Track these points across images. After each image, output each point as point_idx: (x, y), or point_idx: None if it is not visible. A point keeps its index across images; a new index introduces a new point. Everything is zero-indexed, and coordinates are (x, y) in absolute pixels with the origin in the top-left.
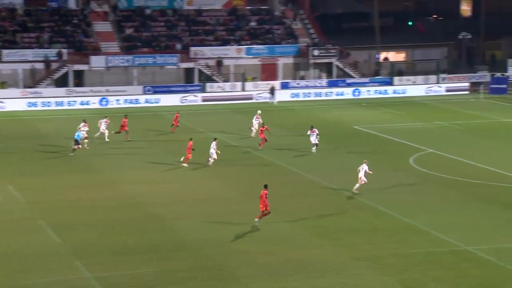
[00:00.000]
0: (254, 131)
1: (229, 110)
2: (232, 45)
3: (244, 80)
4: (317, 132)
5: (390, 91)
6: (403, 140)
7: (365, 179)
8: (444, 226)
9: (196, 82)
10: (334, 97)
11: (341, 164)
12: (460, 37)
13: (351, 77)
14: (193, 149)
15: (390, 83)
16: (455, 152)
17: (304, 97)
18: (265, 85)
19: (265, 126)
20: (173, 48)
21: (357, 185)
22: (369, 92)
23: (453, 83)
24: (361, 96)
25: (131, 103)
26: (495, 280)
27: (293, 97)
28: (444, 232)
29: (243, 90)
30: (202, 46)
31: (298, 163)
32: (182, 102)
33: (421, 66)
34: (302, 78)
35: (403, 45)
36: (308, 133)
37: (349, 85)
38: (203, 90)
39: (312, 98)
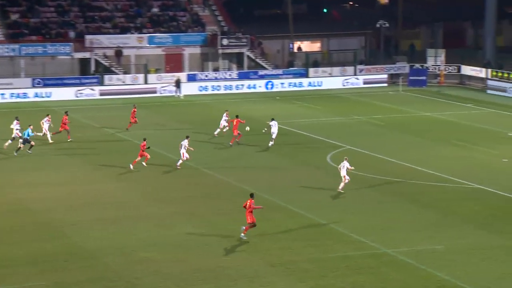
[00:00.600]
0: (218, 130)
1: (131, 104)
2: (132, 34)
3: (146, 72)
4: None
5: (305, 84)
6: (319, 136)
7: (348, 177)
8: (362, 228)
9: (93, 74)
10: (245, 90)
11: (254, 163)
12: (377, 25)
13: (264, 68)
14: (148, 147)
15: (305, 75)
16: (373, 148)
17: (213, 90)
18: (170, 77)
19: (238, 119)
20: (66, 36)
21: (342, 184)
22: (283, 84)
23: (371, 74)
24: (274, 89)
25: (18, 97)
26: (416, 284)
27: (201, 90)
28: (362, 234)
29: (146, 83)
30: (99, 34)
31: (207, 162)
32: (77, 96)
33: (337, 56)
34: (217, 69)
35: (318, 34)
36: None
37: (261, 77)
38: (100, 82)
39: (221, 91)
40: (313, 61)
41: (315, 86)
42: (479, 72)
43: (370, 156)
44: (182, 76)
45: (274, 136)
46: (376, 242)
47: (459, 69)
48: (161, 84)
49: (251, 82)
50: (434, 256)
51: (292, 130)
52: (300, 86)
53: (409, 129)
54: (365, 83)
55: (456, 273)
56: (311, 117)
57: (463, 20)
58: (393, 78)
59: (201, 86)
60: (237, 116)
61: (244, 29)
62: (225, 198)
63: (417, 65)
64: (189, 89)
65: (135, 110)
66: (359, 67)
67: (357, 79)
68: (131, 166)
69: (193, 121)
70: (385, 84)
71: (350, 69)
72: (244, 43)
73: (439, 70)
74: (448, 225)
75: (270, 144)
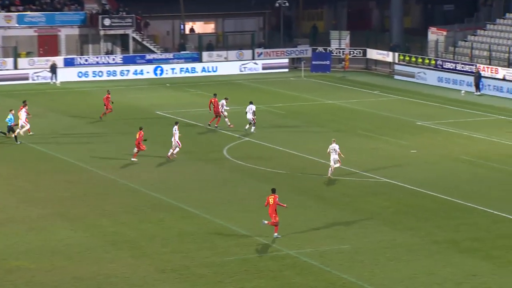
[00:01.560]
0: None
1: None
2: None
3: (16, 55)
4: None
5: (198, 69)
6: (216, 127)
7: (339, 162)
8: (262, 228)
9: None
10: (131, 76)
11: (142, 158)
12: (276, 5)
13: (152, 52)
14: (145, 139)
15: (198, 59)
16: (274, 140)
17: (94, 76)
18: (44, 62)
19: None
20: None
21: (335, 166)
22: (173, 70)
23: (271, 59)
24: (164, 75)
25: None
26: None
27: (80, 76)
28: (262, 234)
29: (16, 68)
30: None
31: (88, 157)
32: None
33: (233, 39)
34: (109, 53)
35: (211, 14)
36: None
37: (149, 61)
38: None
39: (104, 77)
40: (206, 44)
41: (209, 71)
42: (386, 56)
43: (270, 148)
44: (58, 60)
45: (252, 121)
46: (277, 242)
47: (364, 53)
48: (34, 69)
49: (138, 68)
50: (339, 256)
51: (185, 121)
52: (192, 72)
53: (312, 118)
54: (264, 68)
55: (363, 274)
56: (206, 106)
57: (368, 0)
58: (294, 63)
59: (80, 72)
60: (215, 95)
61: (128, 7)
62: (110, 197)
63: (320, 49)
64: (67, 75)
65: (109, 96)
66: (258, 50)
67: (256, 64)
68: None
69: (71, 111)
70: (286, 70)
71: (247, 53)
72: (129, 24)
73: (343, 54)
74: (354, 223)
75: (252, 130)
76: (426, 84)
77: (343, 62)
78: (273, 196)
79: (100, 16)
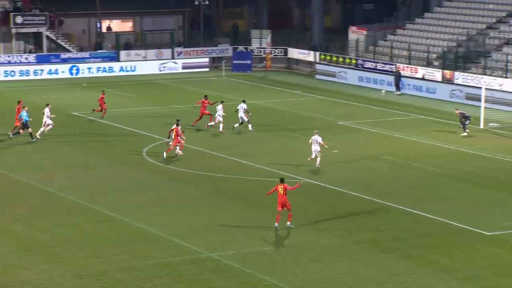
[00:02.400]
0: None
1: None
2: None
3: None
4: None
5: (116, 68)
6: (134, 128)
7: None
8: (183, 230)
9: None
10: (45, 76)
11: (58, 161)
12: (196, 3)
13: (67, 51)
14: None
15: (115, 58)
16: (195, 141)
17: (5, 76)
18: None
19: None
20: None
21: (318, 159)
22: (90, 69)
23: (191, 58)
24: (80, 75)
25: None
26: None
27: None
28: (183, 237)
29: None
30: None
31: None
32: None
33: (152, 37)
34: (32, 51)
35: (129, 12)
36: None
37: (64, 61)
38: None
39: (16, 77)
40: (124, 43)
41: (127, 71)
42: (307, 55)
43: (190, 149)
44: None
45: (246, 119)
46: (199, 245)
47: (286, 52)
48: None
49: (52, 67)
50: (262, 258)
51: (103, 122)
52: (110, 71)
53: (233, 118)
54: (184, 67)
55: (285, 276)
56: (124, 106)
57: None
58: (215, 62)
59: None
60: (205, 96)
61: (42, 5)
62: (23, 201)
63: (241, 48)
64: None
65: (103, 96)
66: (177, 49)
67: (175, 63)
68: (164, 155)
69: None
70: (207, 69)
71: (167, 52)
72: (43, 22)
73: (264, 53)
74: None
75: (250, 128)
76: (347, 84)
77: (264, 62)
78: (282, 186)
79: (11, 14)
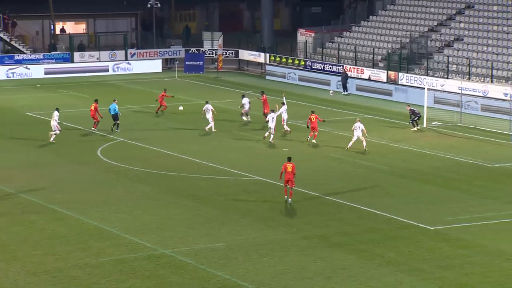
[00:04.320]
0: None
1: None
2: None
3: None
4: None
5: (70, 70)
6: (88, 128)
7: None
8: (137, 228)
9: None
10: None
11: (11, 160)
12: (148, 5)
13: (21, 52)
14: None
15: (69, 60)
16: (148, 140)
17: None
18: None
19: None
20: None
21: (364, 142)
22: (44, 71)
23: (144, 59)
24: (34, 76)
25: None
26: (195, 286)
27: None
28: (137, 234)
29: None
30: None
31: None
32: None
33: (105, 39)
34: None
35: (83, 14)
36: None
37: (18, 62)
38: None
39: None
40: (78, 45)
41: (81, 72)
42: (258, 57)
43: (144, 148)
44: None
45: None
46: (153, 242)
47: (237, 54)
48: None
49: (6, 68)
50: (214, 254)
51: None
52: (64, 73)
53: (186, 118)
54: (138, 68)
55: (237, 271)
56: (78, 107)
57: (239, 2)
58: (168, 64)
59: None
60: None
61: None
62: None
63: (193, 50)
64: None
65: (165, 94)
66: (130, 51)
67: (129, 64)
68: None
69: None
70: (160, 70)
71: (120, 53)
72: None
73: (216, 54)
74: (229, 221)
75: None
76: (296, 84)
77: (216, 63)
78: (291, 164)
79: None
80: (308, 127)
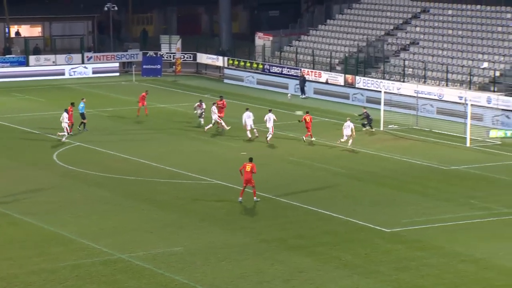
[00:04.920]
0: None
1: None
2: None
3: None
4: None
5: (25, 73)
6: (44, 132)
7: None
8: (94, 232)
9: None
10: None
11: None
12: (105, 9)
13: None
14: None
15: (25, 63)
16: (105, 144)
17: None
18: None
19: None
20: None
21: (351, 140)
22: None
23: (101, 63)
24: None
25: None
26: None
27: None
28: (94, 239)
29: None
30: None
31: None
32: None
33: (62, 42)
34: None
35: (38, 17)
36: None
37: None
38: None
39: None
40: (34, 48)
41: (37, 76)
42: (216, 60)
43: (101, 152)
44: None
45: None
46: (110, 247)
47: (195, 57)
48: None
49: None
50: (172, 259)
51: (12, 126)
52: (19, 76)
53: (144, 122)
54: (94, 72)
55: (195, 275)
56: (34, 110)
57: (197, 5)
58: (125, 67)
59: None
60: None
61: None
62: None
63: (151, 53)
64: None
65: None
66: (87, 54)
67: (86, 68)
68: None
69: None
70: (117, 74)
71: (77, 57)
72: None
73: (174, 58)
74: (187, 225)
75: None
76: (255, 88)
77: (174, 66)
78: (251, 164)
79: None
80: (299, 121)
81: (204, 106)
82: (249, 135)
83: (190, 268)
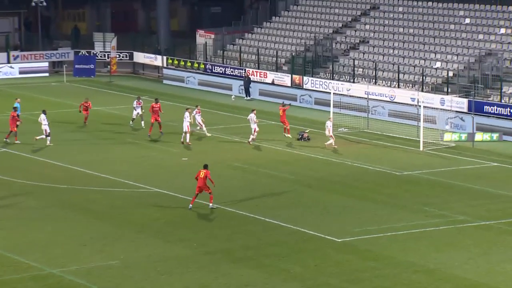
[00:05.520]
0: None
1: None
2: None
3: None
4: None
5: None
6: None
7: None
8: (21, 246)
9: None
10: None
11: None
12: (33, 4)
13: None
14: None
15: None
16: (34, 150)
17: None
18: None
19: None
20: None
21: (331, 141)
22: None
23: (29, 62)
24: None
25: None
26: None
27: None
28: (22, 253)
29: None
30: None
31: None
32: None
33: None
34: None
35: None
36: (194, 114)
37: None
38: None
39: None
40: None
41: None
42: (154, 59)
43: (29, 159)
44: None
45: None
46: (39, 261)
47: (131, 56)
48: None
49: None
50: (108, 273)
51: None
52: None
53: (77, 126)
54: (21, 72)
55: None
56: None
57: (132, 0)
58: (55, 67)
59: None
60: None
61: None
62: None
63: (84, 52)
64: None
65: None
66: (13, 53)
67: (12, 67)
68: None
69: None
70: (47, 74)
71: (2, 56)
72: None
73: (109, 57)
74: (124, 236)
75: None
76: (196, 89)
77: (109, 66)
78: (204, 171)
79: None
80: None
81: (142, 103)
82: (188, 140)
83: (127, 283)
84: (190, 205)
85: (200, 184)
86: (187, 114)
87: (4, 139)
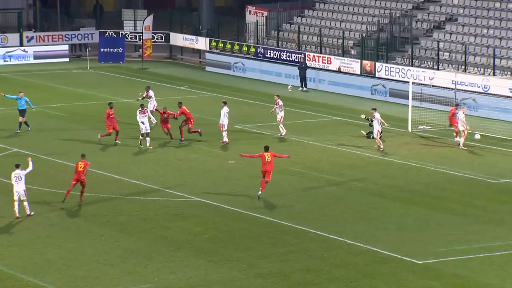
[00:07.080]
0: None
1: None
2: None
3: None
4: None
5: None
6: None
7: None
8: (37, 266)
9: None
10: None
11: None
12: None
13: None
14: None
15: None
16: (52, 150)
17: None
18: None
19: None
20: None
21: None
22: None
23: (45, 45)
24: None
25: None
26: None
27: None
28: (38, 274)
29: None
30: None
31: None
32: None
33: None
34: None
35: None
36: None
37: None
38: None
39: None
40: None
41: None
42: (195, 42)
43: (46, 161)
44: None
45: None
46: (58, 284)
47: (168, 38)
48: None
49: None
50: None
51: None
52: None
53: (101, 122)
54: (36, 57)
55: None
56: None
57: None
58: (77, 51)
59: None
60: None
61: None
62: None
63: (111, 32)
64: None
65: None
66: (27, 34)
67: (25, 51)
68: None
69: None
70: (66, 59)
71: (13, 37)
72: None
73: (141, 39)
74: (158, 255)
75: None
76: (245, 77)
77: (141, 50)
78: (269, 153)
79: None
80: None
81: (151, 94)
82: (225, 138)
83: None
84: (259, 192)
85: (267, 168)
86: (226, 109)
87: (114, 141)
